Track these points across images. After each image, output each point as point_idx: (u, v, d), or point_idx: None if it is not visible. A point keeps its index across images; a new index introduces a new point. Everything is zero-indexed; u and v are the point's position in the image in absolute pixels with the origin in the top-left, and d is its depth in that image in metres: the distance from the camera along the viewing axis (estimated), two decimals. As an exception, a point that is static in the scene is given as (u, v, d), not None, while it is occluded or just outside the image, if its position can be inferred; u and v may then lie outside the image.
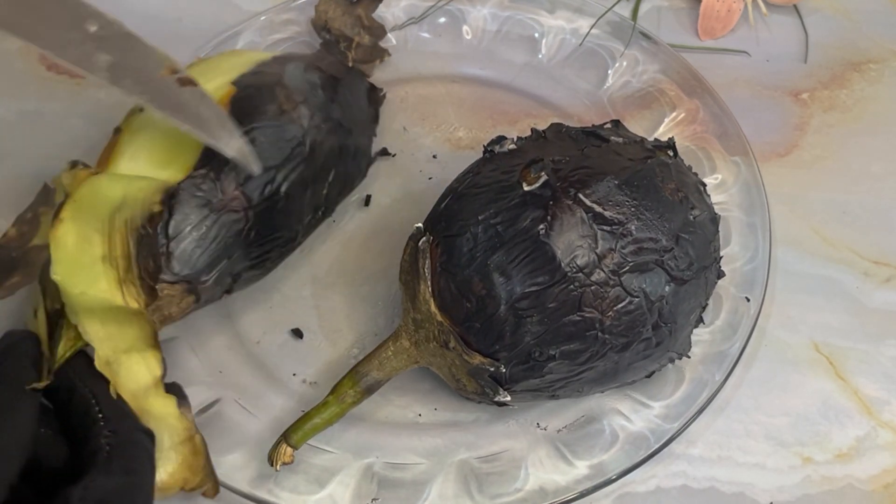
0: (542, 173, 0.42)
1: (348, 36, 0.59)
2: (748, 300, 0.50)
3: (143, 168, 0.45)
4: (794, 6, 0.65)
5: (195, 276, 0.44)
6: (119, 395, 0.39)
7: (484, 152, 0.47)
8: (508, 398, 0.43)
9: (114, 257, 0.43)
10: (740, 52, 0.63)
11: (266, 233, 0.47)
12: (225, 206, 0.45)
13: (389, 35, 0.62)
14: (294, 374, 0.49)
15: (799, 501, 0.46)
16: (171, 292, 0.44)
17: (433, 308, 0.43)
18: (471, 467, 0.46)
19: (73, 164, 0.46)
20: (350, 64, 0.59)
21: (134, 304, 0.43)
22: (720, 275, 0.47)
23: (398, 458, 0.46)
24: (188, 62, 0.58)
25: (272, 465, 0.43)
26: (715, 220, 0.46)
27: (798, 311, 0.52)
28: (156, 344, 0.42)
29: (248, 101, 0.47)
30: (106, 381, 0.40)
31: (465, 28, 0.62)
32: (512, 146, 0.46)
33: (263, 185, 0.46)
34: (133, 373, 0.41)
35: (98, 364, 0.40)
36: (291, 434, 0.43)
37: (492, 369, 0.42)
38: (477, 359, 0.42)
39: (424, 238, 0.44)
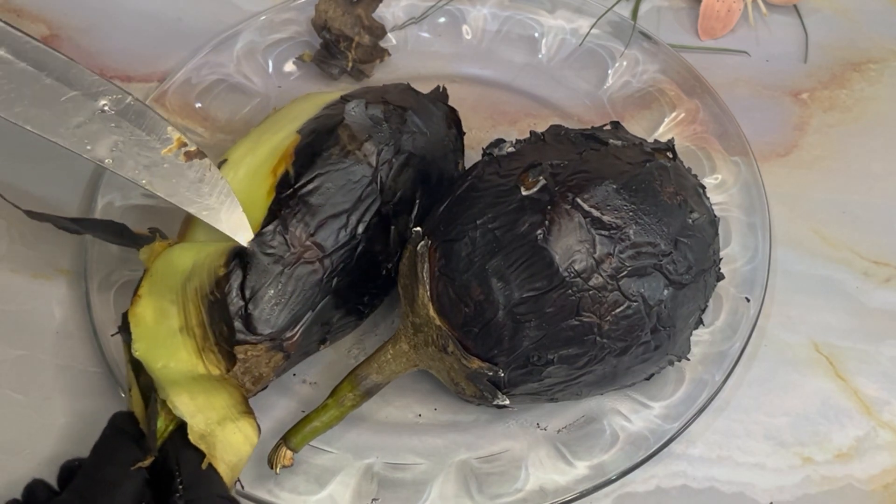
0: (541, 178, 0.42)
1: (348, 36, 0.59)
2: (748, 300, 0.50)
3: (218, 232, 0.45)
4: (794, 6, 0.65)
5: (278, 333, 0.44)
6: (210, 465, 0.39)
7: (483, 155, 0.47)
8: (507, 402, 0.43)
9: (190, 327, 0.43)
10: (740, 52, 0.63)
11: (352, 278, 0.46)
12: (298, 258, 0.44)
13: (389, 35, 0.62)
14: (294, 374, 0.49)
15: (799, 501, 0.46)
16: (255, 353, 0.43)
17: (432, 312, 0.43)
18: (471, 467, 0.46)
19: (153, 231, 0.46)
20: (350, 64, 0.59)
21: (215, 371, 0.43)
22: (719, 277, 0.47)
23: (398, 459, 0.46)
24: (188, 62, 0.59)
25: (272, 467, 0.43)
26: (714, 222, 0.46)
27: (798, 311, 0.52)
28: (248, 409, 0.42)
29: (310, 148, 0.46)
30: (199, 453, 0.39)
31: (465, 28, 0.62)
32: (511, 149, 0.46)
33: (337, 231, 0.45)
34: (230, 444, 0.40)
35: (192, 438, 0.39)
36: (291, 437, 0.43)
37: (490, 373, 0.42)
38: (475, 363, 0.42)
39: (423, 242, 0.44)
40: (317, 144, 0.46)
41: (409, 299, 0.44)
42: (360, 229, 0.46)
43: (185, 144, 0.45)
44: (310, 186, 0.45)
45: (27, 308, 0.52)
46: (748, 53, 0.63)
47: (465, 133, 0.54)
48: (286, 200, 0.45)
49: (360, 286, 0.47)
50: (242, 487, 0.42)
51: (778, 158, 0.58)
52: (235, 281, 0.43)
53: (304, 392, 0.49)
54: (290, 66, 0.61)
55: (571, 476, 0.45)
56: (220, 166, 0.47)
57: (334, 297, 0.45)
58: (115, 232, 0.46)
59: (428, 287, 0.43)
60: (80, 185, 0.55)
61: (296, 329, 0.44)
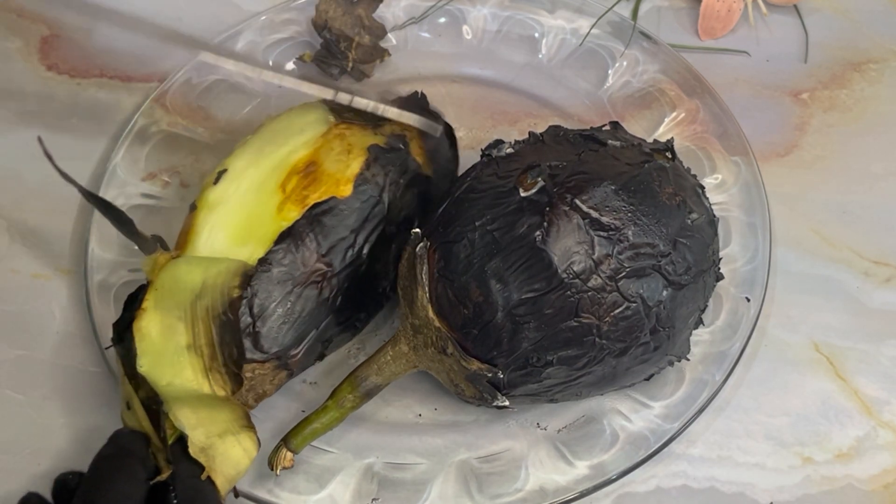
0: (539, 179, 0.42)
1: (348, 36, 0.59)
2: (748, 300, 0.50)
3: (223, 245, 0.45)
4: (794, 6, 0.65)
5: (284, 351, 0.44)
6: (208, 479, 0.39)
7: (482, 156, 0.47)
8: (507, 403, 0.43)
9: (198, 346, 0.43)
10: (740, 52, 0.63)
11: (353, 296, 0.46)
12: (308, 278, 0.44)
13: (389, 35, 0.62)
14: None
15: (799, 501, 0.46)
16: (262, 371, 0.43)
17: (431, 314, 0.43)
18: (471, 467, 0.46)
19: (155, 239, 0.45)
20: (350, 64, 0.59)
21: (221, 392, 0.43)
22: (719, 278, 0.47)
23: (398, 459, 0.46)
24: (188, 62, 0.59)
25: (272, 469, 0.43)
26: (713, 223, 0.46)
27: (798, 311, 0.52)
28: (249, 424, 0.42)
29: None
30: (198, 466, 0.39)
31: (465, 28, 0.62)
32: (509, 150, 0.46)
33: (345, 251, 0.45)
34: (229, 457, 0.40)
35: (193, 451, 0.39)
36: (291, 438, 0.43)
37: (490, 375, 0.42)
38: (475, 365, 0.42)
39: (422, 244, 0.44)
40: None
41: (409, 301, 0.44)
42: (366, 249, 0.46)
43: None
44: (324, 206, 0.45)
45: (27, 308, 0.52)
46: (748, 53, 0.63)
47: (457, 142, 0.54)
48: (299, 219, 0.45)
49: (359, 304, 0.47)
50: (236, 496, 0.42)
51: (778, 158, 0.58)
52: (245, 301, 0.43)
53: (305, 392, 0.49)
54: (290, 66, 0.61)
55: (571, 476, 0.45)
56: (220, 176, 0.47)
57: (336, 315, 0.45)
58: (122, 221, 0.45)
59: (427, 289, 0.43)
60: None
61: (300, 347, 0.44)
